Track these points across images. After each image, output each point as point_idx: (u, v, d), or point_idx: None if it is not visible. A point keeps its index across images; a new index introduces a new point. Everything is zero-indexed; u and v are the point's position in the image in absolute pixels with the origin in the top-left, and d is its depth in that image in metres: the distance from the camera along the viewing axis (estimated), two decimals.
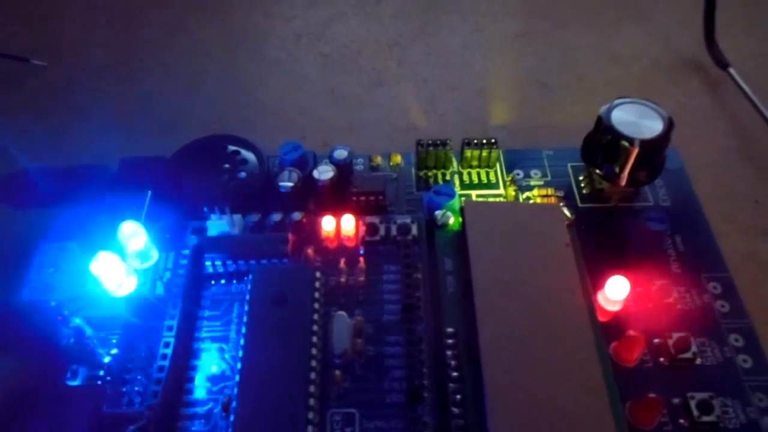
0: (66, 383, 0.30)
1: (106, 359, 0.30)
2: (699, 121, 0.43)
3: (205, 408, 0.29)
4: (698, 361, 0.30)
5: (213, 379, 0.30)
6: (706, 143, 0.42)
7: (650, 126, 0.34)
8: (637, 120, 0.34)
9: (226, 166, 0.37)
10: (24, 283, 0.33)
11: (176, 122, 0.44)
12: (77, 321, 0.30)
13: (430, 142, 0.38)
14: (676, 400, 0.29)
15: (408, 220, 0.34)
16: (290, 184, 0.35)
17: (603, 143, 0.35)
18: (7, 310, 0.32)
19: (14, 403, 0.30)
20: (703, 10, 0.46)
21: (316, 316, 0.30)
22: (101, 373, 0.30)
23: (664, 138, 0.34)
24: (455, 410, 0.28)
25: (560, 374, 0.28)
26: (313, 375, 0.28)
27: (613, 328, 0.31)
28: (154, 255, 0.33)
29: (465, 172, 0.39)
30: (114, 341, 0.31)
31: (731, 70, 0.45)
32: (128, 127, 0.44)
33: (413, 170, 0.39)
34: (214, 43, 0.51)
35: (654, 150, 0.34)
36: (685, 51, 0.48)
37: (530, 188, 0.37)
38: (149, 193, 0.36)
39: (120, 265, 0.31)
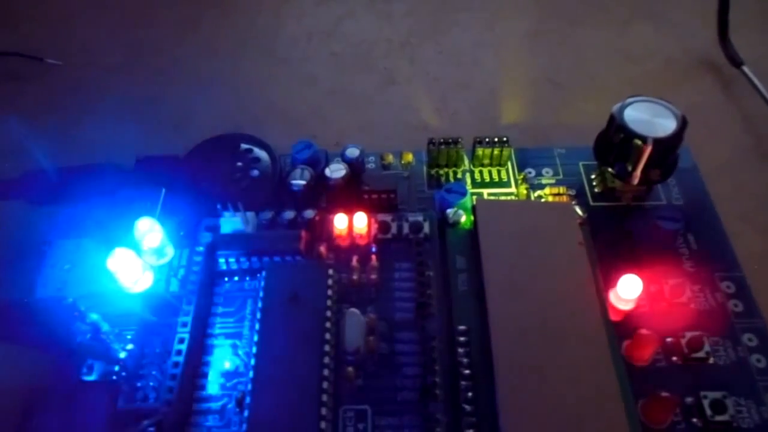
0: (82, 378, 0.30)
1: (122, 355, 0.31)
2: (712, 120, 0.43)
3: (219, 403, 0.30)
4: (711, 360, 0.30)
5: (227, 375, 0.30)
6: (719, 142, 0.41)
7: (663, 124, 0.34)
8: (650, 118, 0.34)
9: (239, 164, 0.37)
10: (41, 280, 0.33)
11: (189, 121, 0.44)
12: (93, 317, 0.31)
13: (442, 140, 0.38)
14: (689, 400, 0.29)
15: (420, 218, 0.34)
16: (302, 182, 0.35)
17: (615, 142, 0.35)
18: (24, 306, 0.32)
19: (31, 397, 0.30)
20: (717, 8, 0.46)
21: (328, 313, 0.30)
22: (117, 368, 0.31)
23: (677, 136, 0.34)
24: (467, 408, 0.28)
25: (572, 372, 0.28)
26: (326, 372, 0.29)
27: (625, 327, 0.31)
28: (169, 252, 0.34)
29: (476, 170, 0.39)
30: (129, 337, 0.31)
31: (745, 68, 0.45)
32: (142, 126, 0.44)
33: (425, 168, 0.39)
34: (226, 42, 0.51)
35: (667, 148, 0.34)
36: (698, 49, 0.48)
37: (542, 187, 0.37)
38: (163, 190, 0.36)
39: (136, 261, 0.32)
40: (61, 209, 0.37)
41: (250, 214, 0.34)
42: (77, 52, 0.50)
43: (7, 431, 0.29)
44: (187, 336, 0.30)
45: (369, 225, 0.34)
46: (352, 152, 0.36)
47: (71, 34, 0.51)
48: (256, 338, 0.30)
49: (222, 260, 0.33)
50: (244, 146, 0.38)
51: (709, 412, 0.28)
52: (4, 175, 0.37)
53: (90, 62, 0.49)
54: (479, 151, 0.38)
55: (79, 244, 0.34)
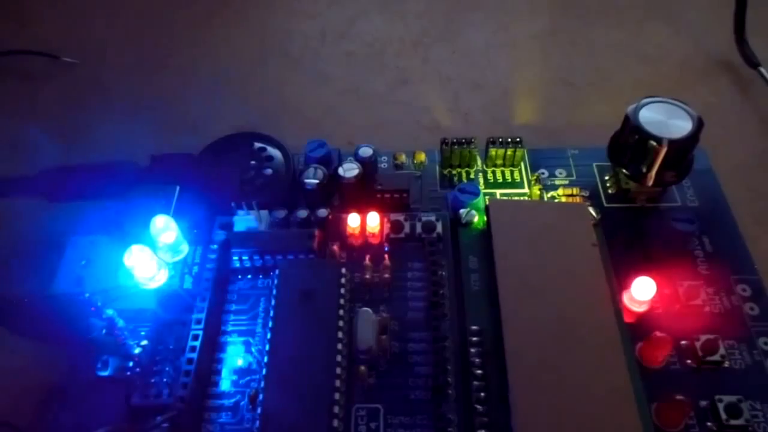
0: (97, 374, 0.31)
1: (136, 351, 0.31)
2: (728, 121, 0.42)
3: (232, 400, 0.30)
4: (727, 363, 0.30)
5: (240, 372, 0.31)
6: (735, 143, 0.41)
7: (679, 126, 0.34)
8: (665, 119, 0.34)
9: (253, 162, 0.38)
10: (57, 275, 0.34)
11: (203, 120, 0.45)
12: (109, 313, 0.31)
13: (455, 140, 0.38)
14: (703, 403, 0.29)
15: (433, 218, 0.34)
16: (315, 181, 0.35)
17: (630, 143, 0.34)
18: (41, 301, 0.33)
19: (47, 392, 0.30)
20: (734, 8, 0.45)
21: (341, 312, 0.30)
22: (131, 364, 0.31)
23: (692, 138, 0.33)
24: (479, 408, 0.28)
25: (585, 374, 0.28)
26: (338, 370, 0.29)
27: (639, 329, 0.31)
28: (185, 249, 0.34)
29: (489, 170, 0.39)
30: (143, 333, 0.32)
31: (762, 69, 0.44)
32: (156, 124, 0.45)
33: (437, 168, 0.39)
34: (240, 41, 0.51)
35: (682, 150, 0.34)
36: (714, 50, 0.48)
37: (555, 188, 0.37)
38: (177, 188, 0.36)
39: (151, 258, 0.32)
40: (78, 206, 0.38)
41: (264, 213, 0.35)
42: (93, 51, 0.50)
43: (23, 426, 0.30)
44: (200, 333, 0.31)
45: (382, 224, 0.34)
46: (365, 151, 0.37)
47: (87, 33, 0.52)
48: (269, 336, 0.30)
49: (235, 258, 0.33)
50: (257, 145, 0.39)
51: (724, 416, 0.28)
52: (22, 173, 0.37)
53: (106, 61, 0.50)
54: (492, 152, 0.38)
55: (95, 241, 0.34)
